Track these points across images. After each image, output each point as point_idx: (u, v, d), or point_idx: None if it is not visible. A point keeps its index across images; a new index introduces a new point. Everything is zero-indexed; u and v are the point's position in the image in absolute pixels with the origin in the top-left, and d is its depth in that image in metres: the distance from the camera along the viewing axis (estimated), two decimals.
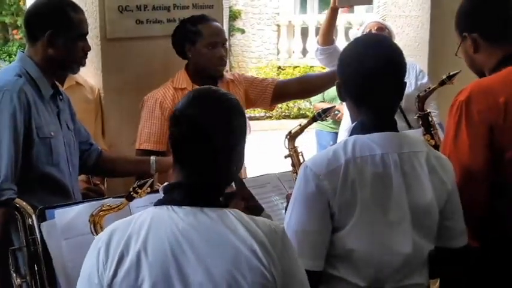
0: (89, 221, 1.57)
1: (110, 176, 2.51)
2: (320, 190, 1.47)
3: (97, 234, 1.54)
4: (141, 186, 1.58)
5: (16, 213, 1.78)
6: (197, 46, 2.48)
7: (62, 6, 2.05)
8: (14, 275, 1.77)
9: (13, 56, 17.95)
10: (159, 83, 2.62)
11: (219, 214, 1.26)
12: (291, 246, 1.29)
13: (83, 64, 2.11)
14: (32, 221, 1.72)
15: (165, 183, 1.30)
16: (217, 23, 2.58)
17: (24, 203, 1.78)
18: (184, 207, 1.24)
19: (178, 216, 1.23)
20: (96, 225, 1.57)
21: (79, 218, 1.59)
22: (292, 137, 2.14)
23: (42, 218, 1.67)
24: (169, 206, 1.24)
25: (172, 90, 2.55)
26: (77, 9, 2.08)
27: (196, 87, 2.54)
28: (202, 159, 1.27)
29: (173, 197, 1.26)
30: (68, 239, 1.58)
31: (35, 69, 2.00)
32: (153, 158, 2.25)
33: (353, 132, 1.57)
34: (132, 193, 1.58)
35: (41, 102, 2.00)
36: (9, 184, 1.87)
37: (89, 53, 2.13)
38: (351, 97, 1.59)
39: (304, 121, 2.21)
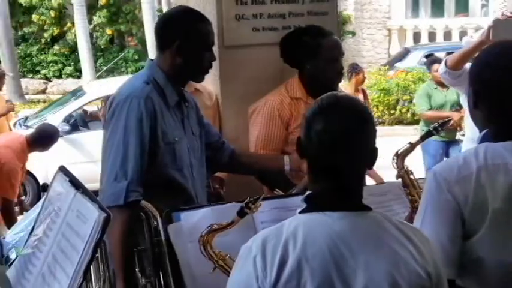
0: (199, 241, 1.61)
1: (244, 173, 2.52)
2: (452, 197, 1.48)
3: (207, 255, 1.61)
4: (253, 202, 1.61)
5: (142, 214, 1.88)
6: (317, 60, 2.51)
7: (191, 18, 2.14)
8: (140, 275, 1.88)
9: (129, 62, 19.20)
10: (274, 89, 2.67)
11: (371, 216, 1.30)
12: (434, 245, 1.34)
13: (207, 73, 2.20)
14: (157, 222, 1.81)
15: (307, 193, 1.33)
16: (336, 37, 2.60)
17: (150, 205, 1.87)
18: (337, 212, 1.27)
19: (333, 221, 1.26)
20: (206, 245, 1.60)
21: (204, 221, 1.65)
22: (401, 156, 2.10)
23: (169, 220, 1.74)
24: (320, 212, 1.28)
25: (289, 99, 2.59)
26: (205, 20, 2.16)
27: (311, 98, 2.58)
28: (350, 166, 1.30)
29: (322, 204, 1.29)
30: (193, 242, 1.63)
31: (163, 77, 2.11)
32: (286, 155, 2.30)
33: (483, 140, 1.56)
34: (244, 209, 1.61)
35: (166, 109, 2.09)
36: (136, 186, 1.96)
37: None
38: (485, 105, 1.56)
39: (412, 137, 2.14)
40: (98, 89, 8.63)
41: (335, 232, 1.24)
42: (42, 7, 18.71)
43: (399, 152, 2.11)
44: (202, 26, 2.13)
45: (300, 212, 1.31)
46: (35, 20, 18.68)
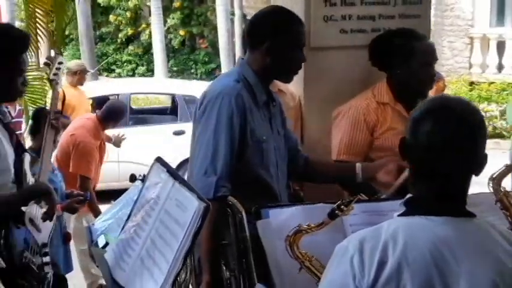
0: (285, 241, 1.63)
1: (317, 182, 2.53)
2: None
3: (293, 255, 1.62)
4: (346, 204, 1.62)
5: (228, 210, 1.94)
6: (410, 64, 2.49)
7: (282, 18, 2.18)
8: (224, 268, 1.94)
9: (199, 64, 19.62)
10: (359, 93, 2.67)
11: (476, 223, 1.29)
12: None
13: (296, 74, 2.24)
14: (243, 218, 1.86)
15: (408, 196, 1.33)
16: (430, 41, 2.57)
17: (235, 201, 1.93)
18: (441, 216, 1.27)
19: (436, 225, 1.26)
20: (292, 245, 1.63)
21: (293, 219, 1.68)
22: (496, 179, 2.04)
23: (257, 216, 1.79)
24: (422, 216, 1.28)
25: (375, 103, 2.58)
26: (297, 21, 2.19)
27: (399, 104, 2.58)
28: (457, 170, 1.29)
29: (425, 208, 1.29)
30: (281, 239, 1.66)
31: (253, 76, 2.16)
32: (358, 164, 2.30)
33: None
34: (336, 211, 1.62)
35: (255, 107, 2.14)
36: (225, 182, 2.03)
37: None
38: None
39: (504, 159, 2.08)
40: None
41: (438, 237, 1.23)
42: (119, 8, 19.48)
43: (494, 176, 2.06)
44: (293, 26, 2.16)
45: (399, 215, 1.32)
46: (111, 20, 19.47)
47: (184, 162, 5.36)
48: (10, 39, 2.26)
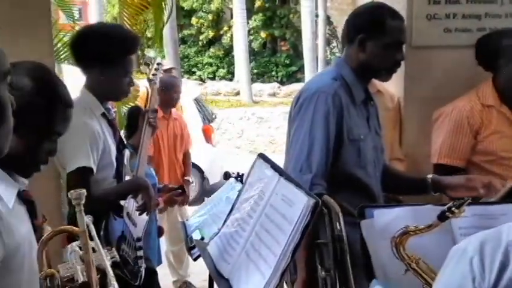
0: (391, 242, 1.61)
1: (388, 191, 2.46)
2: None
3: (399, 256, 1.60)
4: (457, 207, 1.58)
5: (324, 208, 1.95)
6: None
7: (379, 12, 2.14)
8: (319, 267, 1.95)
9: (279, 66, 19.73)
10: (461, 94, 2.61)
11: None
12: None
13: (394, 72, 2.19)
14: (339, 218, 1.86)
15: None
16: None
17: (331, 200, 1.92)
18: None
19: None
20: (398, 246, 1.61)
21: (398, 220, 1.65)
22: None
23: (361, 216, 1.78)
24: None
25: (480, 106, 2.53)
26: (396, 17, 2.14)
27: (504, 106, 2.51)
28: None
29: None
30: (386, 240, 1.63)
31: (350, 73, 2.15)
32: (429, 176, 2.25)
33: None
34: (446, 213, 1.58)
35: (352, 106, 2.13)
36: (320, 180, 2.03)
37: None
38: None
39: None
40: None
41: None
42: (202, 10, 19.97)
43: None
44: (391, 22, 2.10)
45: None
46: (193, 23, 19.99)
47: None
48: (120, 40, 2.37)
